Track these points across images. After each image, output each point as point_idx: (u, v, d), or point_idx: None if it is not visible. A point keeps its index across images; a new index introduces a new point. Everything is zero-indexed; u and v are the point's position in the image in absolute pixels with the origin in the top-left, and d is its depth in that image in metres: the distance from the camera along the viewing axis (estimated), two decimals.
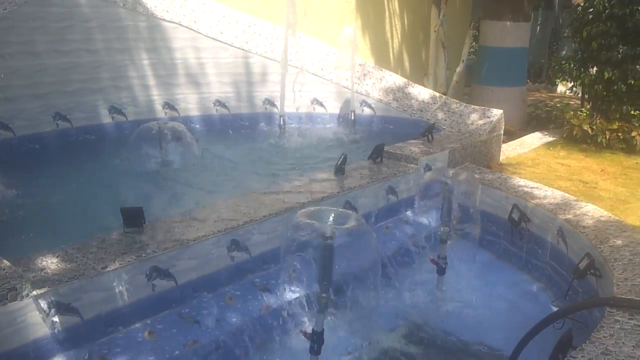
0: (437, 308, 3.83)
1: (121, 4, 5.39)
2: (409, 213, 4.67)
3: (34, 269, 2.75)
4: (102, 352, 2.79)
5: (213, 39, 5.91)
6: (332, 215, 2.83)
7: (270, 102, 6.20)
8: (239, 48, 6.04)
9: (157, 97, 5.77)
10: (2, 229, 3.64)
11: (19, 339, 2.54)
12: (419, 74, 9.68)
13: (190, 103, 5.96)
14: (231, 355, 3.08)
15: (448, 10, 9.17)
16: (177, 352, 2.95)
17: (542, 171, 5.84)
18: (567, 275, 3.68)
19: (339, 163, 4.41)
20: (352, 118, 6.10)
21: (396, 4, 9.29)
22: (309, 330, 2.93)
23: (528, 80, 14.24)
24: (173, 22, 5.70)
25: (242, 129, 6.04)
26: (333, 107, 6.35)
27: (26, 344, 2.56)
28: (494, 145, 5.88)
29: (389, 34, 9.34)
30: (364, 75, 6.41)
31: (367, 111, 6.31)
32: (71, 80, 5.18)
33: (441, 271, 3.96)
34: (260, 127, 6.14)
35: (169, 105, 5.84)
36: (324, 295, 2.88)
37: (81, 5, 5.09)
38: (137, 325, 2.96)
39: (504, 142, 7.53)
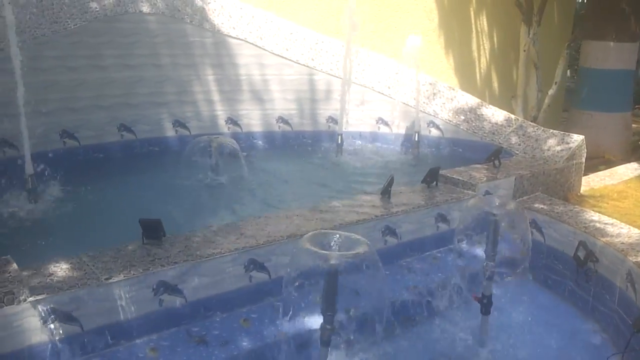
0: (476, 354, 3.45)
1: (188, 20, 5.54)
2: (463, 244, 4.31)
3: (42, 274, 2.78)
4: None
5: (278, 55, 5.90)
6: (339, 240, 2.62)
7: (333, 120, 6.07)
8: (304, 65, 5.99)
9: (221, 113, 5.84)
10: (43, 232, 3.78)
11: (13, 343, 2.55)
12: (509, 96, 9.13)
13: (253, 119, 5.97)
14: None
15: (544, 29, 8.58)
16: None
17: (627, 206, 5.18)
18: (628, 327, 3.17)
19: (385, 185, 4.18)
20: (416, 139, 5.80)
21: (484, 21, 8.85)
22: None
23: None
24: (239, 39, 5.77)
25: (303, 147, 5.95)
26: (399, 128, 6.09)
27: (21, 349, 2.57)
28: (573, 175, 5.32)
29: (475, 53, 8.91)
30: (434, 94, 6.10)
31: (434, 132, 5.99)
32: (137, 93, 5.37)
33: (485, 311, 3.57)
34: (322, 145, 6.01)
35: (232, 121, 5.89)
36: (328, 327, 2.67)
37: (148, 21, 5.29)
38: (141, 340, 2.92)
39: (597, 171, 6.88)
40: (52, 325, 2.63)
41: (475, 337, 3.59)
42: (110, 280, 2.77)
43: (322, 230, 2.66)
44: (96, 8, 5.02)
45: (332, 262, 2.54)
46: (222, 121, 5.83)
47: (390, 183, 4.16)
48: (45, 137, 4.86)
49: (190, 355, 2.93)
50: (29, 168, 3.98)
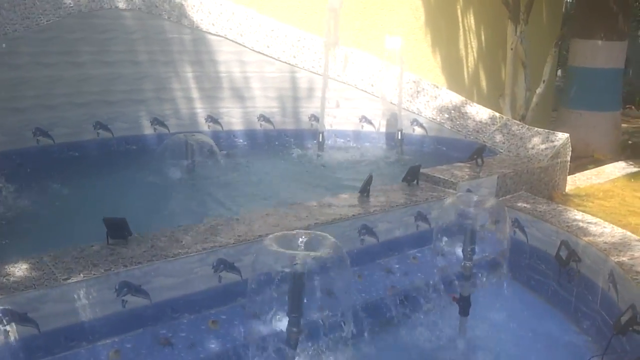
0: (454, 356, 3.36)
1: (166, 17, 5.43)
2: (443, 244, 4.22)
3: (0, 275, 2.69)
4: None
5: (259, 52, 5.80)
6: (305, 240, 2.53)
7: (316, 118, 5.96)
8: (285, 62, 5.89)
9: (201, 110, 5.73)
10: (4, 232, 3.67)
11: None
12: (497, 95, 9.05)
13: (234, 117, 5.87)
14: None
15: (532, 27, 8.50)
16: None
17: (613, 205, 5.11)
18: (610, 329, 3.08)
19: (364, 183, 4.09)
20: (399, 137, 5.71)
21: (472, 19, 8.78)
22: None
23: (632, 106, 13.01)
24: (218, 36, 5.66)
25: (285, 145, 5.85)
26: (383, 126, 6.00)
27: None
28: (558, 173, 5.24)
29: (463, 52, 8.83)
30: (417, 92, 6.01)
31: (418, 131, 5.90)
32: (114, 90, 5.25)
33: (464, 312, 3.48)
34: (304, 143, 5.91)
35: (212, 119, 5.78)
36: (294, 329, 2.57)
37: (125, 17, 5.18)
38: (103, 342, 2.81)
39: (585, 170, 6.82)
40: (6, 327, 2.53)
41: (453, 338, 3.51)
42: (69, 281, 2.66)
43: (288, 231, 2.54)
44: (70, 4, 4.90)
45: (298, 262, 2.46)
46: (202, 119, 5.72)
47: (368, 181, 4.07)
48: (18, 134, 4.74)
49: (155, 357, 2.83)
50: None
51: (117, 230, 3.08)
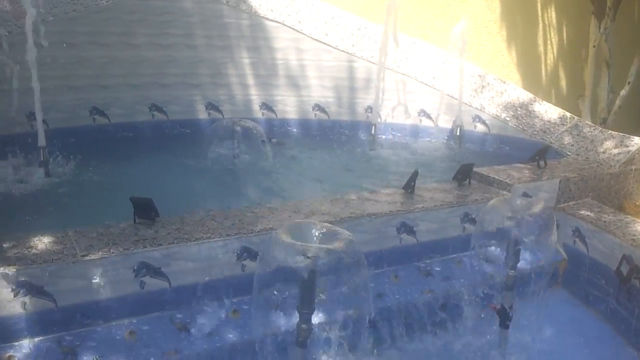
0: None
1: (224, 1, 5.39)
2: (493, 248, 3.93)
3: (23, 246, 2.69)
4: (74, 343, 2.64)
5: (317, 40, 5.66)
6: (319, 232, 2.37)
7: (373, 110, 5.76)
8: (343, 51, 5.71)
9: (255, 97, 5.68)
10: (45, 205, 3.75)
11: None
12: (577, 96, 8.45)
13: (288, 105, 5.78)
14: None
15: (619, 24, 7.85)
16: (152, 358, 2.71)
17: None
18: None
19: (408, 179, 3.87)
20: (458, 134, 5.41)
21: (553, 14, 8.21)
22: None
23: None
24: (276, 22, 5.57)
25: (338, 136, 5.70)
26: (443, 121, 5.70)
27: None
28: (632, 181, 4.75)
29: (541, 48, 8.28)
30: (482, 87, 5.66)
31: (479, 128, 5.56)
32: (169, 73, 5.30)
33: (504, 324, 3.20)
34: (358, 135, 5.73)
35: (267, 106, 5.72)
36: (304, 326, 2.42)
37: (183, 0, 5.19)
38: (119, 322, 2.78)
39: None
40: (23, 299, 2.54)
41: (492, 353, 3.24)
42: (87, 258, 2.65)
43: (302, 221, 2.40)
44: None
45: (310, 255, 2.30)
46: (256, 106, 5.67)
47: (413, 177, 3.85)
48: (73, 112, 4.87)
49: (169, 341, 2.77)
50: (42, 140, 3.96)
51: (144, 210, 3.04)
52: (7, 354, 2.51)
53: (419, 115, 5.80)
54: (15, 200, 3.69)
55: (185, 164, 4.66)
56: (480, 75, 5.74)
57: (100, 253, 2.69)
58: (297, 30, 5.61)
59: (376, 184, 4.33)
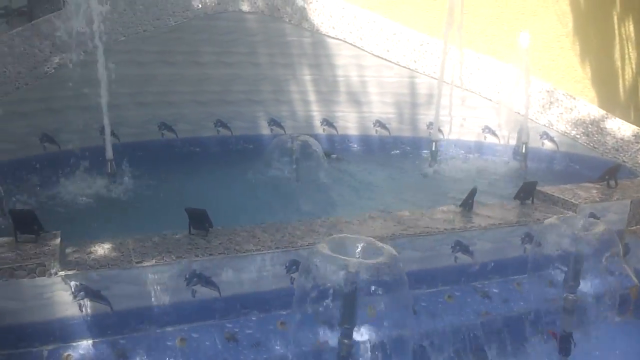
0: None
1: (287, 20, 5.51)
2: (557, 271, 3.73)
3: (83, 252, 2.83)
4: (126, 347, 2.75)
5: (378, 57, 5.66)
6: (362, 247, 2.34)
7: (433, 125, 5.67)
8: (404, 67, 5.68)
9: (316, 114, 5.74)
10: (108, 214, 3.94)
11: (45, 313, 2.62)
12: None
13: (349, 122, 5.80)
14: None
15: None
16: None
17: None
18: None
19: (466, 197, 3.77)
20: (523, 151, 5.21)
21: (630, 27, 7.80)
22: None
23: None
24: (338, 39, 5.62)
25: (399, 153, 5.64)
26: (508, 138, 5.52)
27: (51, 320, 2.63)
28: None
29: (618, 63, 7.88)
30: (550, 103, 5.45)
31: (547, 145, 5.35)
32: (233, 90, 5.46)
33: (564, 351, 3.03)
34: (420, 152, 5.64)
35: (328, 122, 5.76)
36: (345, 341, 2.40)
37: (247, 20, 5.35)
38: (171, 328, 2.86)
39: None
40: (81, 302, 2.67)
41: None
42: (141, 265, 2.75)
43: (345, 235, 2.38)
44: (198, 6, 5.19)
45: (352, 270, 2.29)
46: (317, 122, 5.73)
47: (471, 195, 3.74)
48: (144, 127, 5.11)
49: (218, 351, 2.83)
50: (109, 153, 4.18)
51: (198, 221, 3.13)
52: (66, 354, 2.64)
53: (483, 131, 5.65)
54: (82, 209, 3.91)
55: (245, 179, 4.76)
56: (548, 91, 5.53)
57: (153, 260, 2.79)
58: (359, 47, 5.65)
59: (434, 200, 4.25)
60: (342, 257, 2.26)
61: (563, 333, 2.99)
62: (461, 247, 3.45)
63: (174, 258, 2.83)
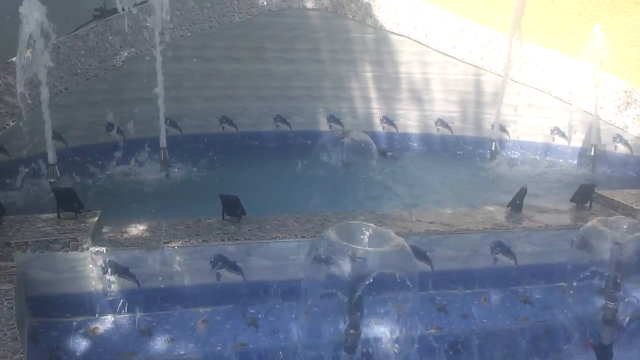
0: None
1: (351, 16, 5.49)
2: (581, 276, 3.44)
3: (118, 231, 2.99)
4: (152, 324, 2.86)
5: (443, 53, 5.49)
6: (369, 234, 2.29)
7: (501, 126, 5.41)
8: (470, 64, 5.47)
9: (377, 111, 5.67)
10: (157, 197, 4.13)
11: (76, 286, 2.79)
12: None
13: (410, 120, 5.67)
14: None
15: None
16: (219, 347, 2.82)
17: None
18: None
19: (514, 197, 3.58)
20: (592, 154, 4.84)
21: None
22: None
23: None
24: (402, 35, 5.52)
25: (459, 153, 5.44)
26: (579, 140, 5.16)
27: (82, 293, 2.80)
28: None
29: None
30: (627, 104, 5.02)
31: (620, 149, 4.94)
32: (294, 86, 5.52)
33: None
34: (482, 152, 5.39)
35: (388, 120, 5.68)
36: (352, 331, 2.35)
37: (311, 16, 5.39)
38: (195, 309, 2.94)
39: None
40: (109, 277, 2.81)
41: None
42: (168, 245, 2.86)
43: (353, 222, 2.34)
44: (263, 3, 5.31)
45: (360, 258, 2.24)
46: (377, 120, 5.66)
47: (519, 195, 3.55)
48: (205, 120, 5.30)
49: (238, 334, 2.87)
50: (163, 142, 4.36)
51: (231, 207, 3.20)
52: (93, 326, 2.79)
53: (552, 133, 5.33)
54: (133, 193, 4.12)
55: (298, 172, 4.80)
56: (626, 91, 5.11)
57: (180, 242, 2.89)
58: (423, 44, 5.52)
59: (487, 200, 4.06)
60: (350, 245, 2.22)
61: (601, 345, 2.76)
62: (502, 248, 3.28)
63: (200, 241, 2.92)
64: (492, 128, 5.36)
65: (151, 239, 2.92)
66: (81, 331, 2.76)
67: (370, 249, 2.22)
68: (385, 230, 2.32)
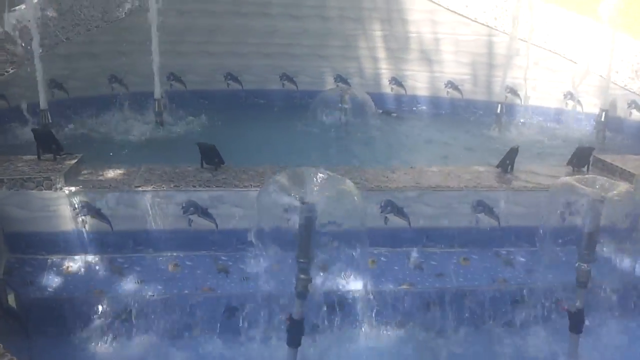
0: None
1: None
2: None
3: (96, 174, 3.03)
4: (123, 266, 2.91)
5: (454, 12, 5.29)
6: (319, 179, 2.25)
7: (512, 90, 5.22)
8: (483, 24, 5.26)
9: (385, 71, 5.55)
10: (145, 147, 4.16)
11: (50, 225, 2.84)
12: None
13: (419, 81, 5.53)
14: (234, 316, 2.79)
15: None
16: (186, 291, 2.86)
17: None
18: None
19: (504, 156, 3.46)
20: (602, 119, 4.61)
21: None
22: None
23: None
24: None
25: (467, 116, 5.28)
26: (593, 106, 4.93)
27: (56, 232, 2.86)
28: None
29: None
30: None
31: (636, 115, 4.70)
32: (300, 44, 5.44)
33: (575, 328, 2.69)
34: (491, 116, 5.21)
35: (396, 81, 5.55)
36: (302, 276, 2.33)
37: None
38: (167, 254, 2.98)
39: None
40: (83, 218, 2.86)
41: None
42: (139, 189, 2.88)
43: (302, 167, 2.29)
44: None
45: (307, 203, 2.20)
46: (385, 80, 5.55)
47: (509, 155, 3.43)
48: (210, 76, 5.30)
49: (207, 280, 2.90)
50: (157, 93, 4.37)
51: (209, 156, 3.20)
52: (67, 265, 2.86)
53: (564, 97, 5.11)
54: (123, 141, 4.18)
55: (296, 130, 4.75)
56: None
57: (152, 186, 2.91)
58: (434, 2, 5.33)
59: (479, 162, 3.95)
60: (298, 190, 2.19)
61: (574, 309, 2.67)
62: (484, 207, 3.19)
63: (172, 186, 2.93)
64: (507, 92, 5.17)
65: (124, 182, 2.95)
66: (54, 269, 2.84)
67: (318, 192, 2.18)
68: (339, 177, 2.27)
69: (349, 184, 2.22)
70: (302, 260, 2.29)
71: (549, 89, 5.17)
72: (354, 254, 2.40)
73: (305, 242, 2.27)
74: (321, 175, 2.24)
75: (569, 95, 5.08)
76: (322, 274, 2.68)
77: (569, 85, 5.05)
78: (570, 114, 5.06)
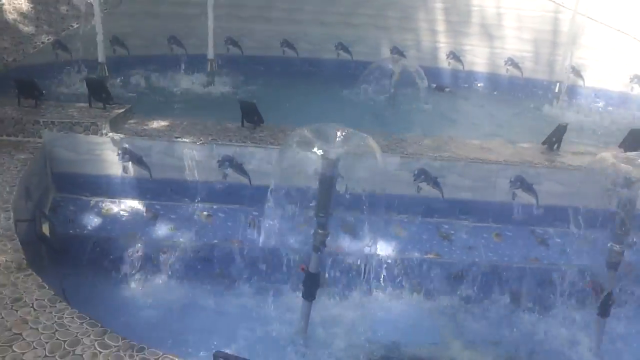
0: None
1: None
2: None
3: (141, 123, 3.18)
4: (159, 212, 3.04)
5: None
6: (341, 135, 2.25)
7: (576, 71, 4.97)
8: (550, 0, 5.01)
9: (443, 45, 5.41)
10: (198, 103, 4.28)
11: (95, 168, 3.02)
12: None
13: (477, 57, 5.36)
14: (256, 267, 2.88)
15: None
16: (216, 241, 2.96)
17: None
18: None
19: (550, 134, 3.34)
20: None
21: None
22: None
23: None
24: None
25: (524, 95, 5.07)
26: None
27: (100, 175, 3.03)
28: None
29: None
30: None
31: None
32: (359, 14, 5.38)
33: (603, 311, 2.59)
34: (551, 97, 4.99)
35: (454, 56, 5.40)
36: (320, 231, 2.36)
37: None
38: (201, 204, 3.08)
39: None
40: (124, 164, 3.01)
41: (583, 341, 2.67)
42: (178, 140, 2.99)
43: (325, 124, 2.30)
44: None
45: (328, 157, 2.22)
46: (442, 54, 5.42)
47: (557, 133, 3.31)
48: (267, 43, 5.35)
49: (237, 232, 2.98)
50: (210, 53, 4.47)
51: (249, 114, 3.27)
52: (107, 207, 3.03)
53: (631, 81, 4.81)
54: (174, 96, 4.34)
55: (344, 98, 4.74)
56: None
57: (190, 138, 3.02)
58: None
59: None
60: (319, 144, 2.21)
61: (602, 291, 2.56)
62: (522, 183, 3.09)
63: (210, 140, 3.03)
64: (569, 72, 4.92)
65: (167, 134, 3.08)
66: (95, 209, 3.01)
67: (339, 147, 2.19)
68: (362, 134, 2.27)
69: (371, 142, 2.21)
70: (321, 215, 2.34)
71: (614, 71, 4.88)
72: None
73: (325, 197, 2.31)
74: (344, 132, 2.26)
75: (636, 79, 4.79)
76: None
77: (637, 69, 4.75)
78: (635, 99, 4.76)
